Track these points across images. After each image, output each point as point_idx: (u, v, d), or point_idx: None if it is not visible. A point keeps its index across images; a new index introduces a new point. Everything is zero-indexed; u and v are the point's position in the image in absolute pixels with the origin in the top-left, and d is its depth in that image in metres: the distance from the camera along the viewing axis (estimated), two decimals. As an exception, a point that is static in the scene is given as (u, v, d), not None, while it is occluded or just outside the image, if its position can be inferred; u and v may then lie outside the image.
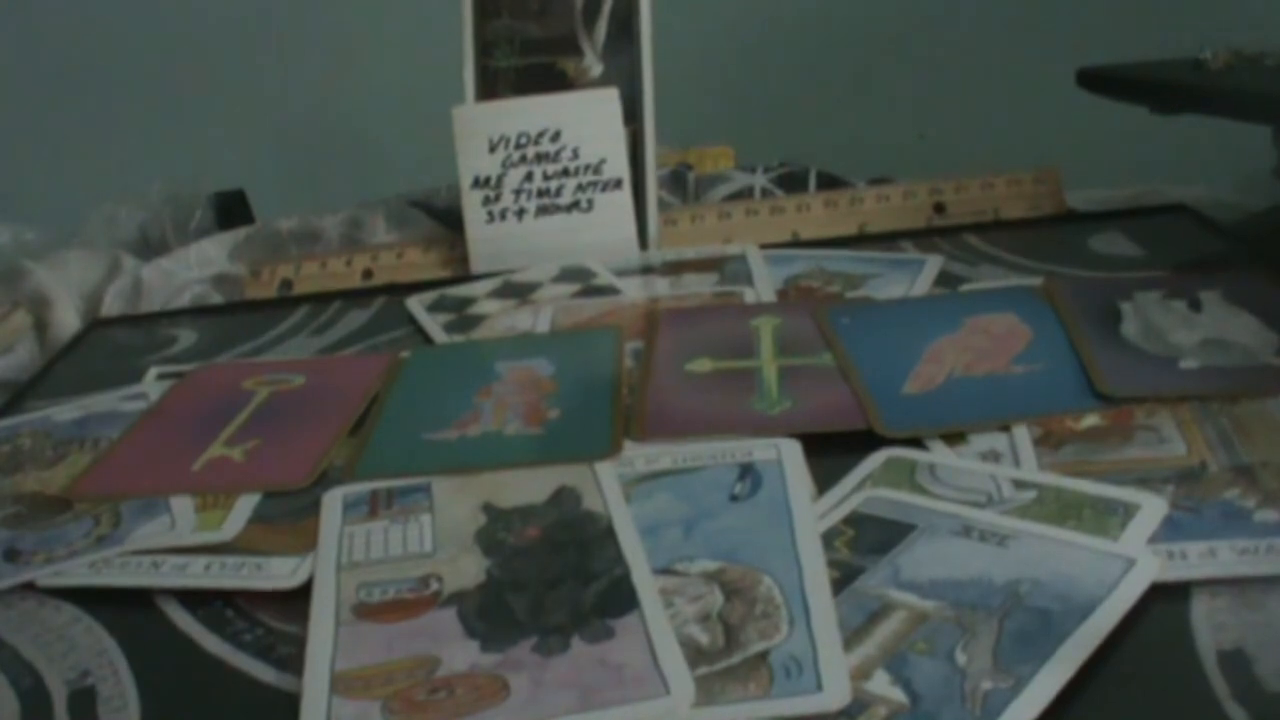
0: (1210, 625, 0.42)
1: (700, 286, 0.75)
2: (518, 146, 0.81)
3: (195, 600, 0.50)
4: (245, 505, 0.56)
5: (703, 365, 0.63)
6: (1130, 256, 0.73)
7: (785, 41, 1.30)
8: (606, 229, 0.81)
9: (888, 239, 0.80)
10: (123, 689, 0.45)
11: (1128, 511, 0.47)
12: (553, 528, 0.50)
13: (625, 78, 0.82)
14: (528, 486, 0.54)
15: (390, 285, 0.83)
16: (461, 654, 0.44)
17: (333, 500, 0.54)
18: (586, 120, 0.81)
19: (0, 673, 0.47)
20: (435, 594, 0.47)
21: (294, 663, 0.45)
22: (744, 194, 0.92)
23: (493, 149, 0.81)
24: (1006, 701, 0.38)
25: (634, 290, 0.76)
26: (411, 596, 0.47)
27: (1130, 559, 0.44)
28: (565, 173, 0.81)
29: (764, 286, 0.73)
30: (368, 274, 0.85)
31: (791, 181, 0.92)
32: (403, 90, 1.29)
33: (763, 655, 0.42)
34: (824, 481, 0.52)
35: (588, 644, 0.43)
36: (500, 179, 0.81)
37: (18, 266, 0.88)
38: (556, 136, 0.81)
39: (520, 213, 0.81)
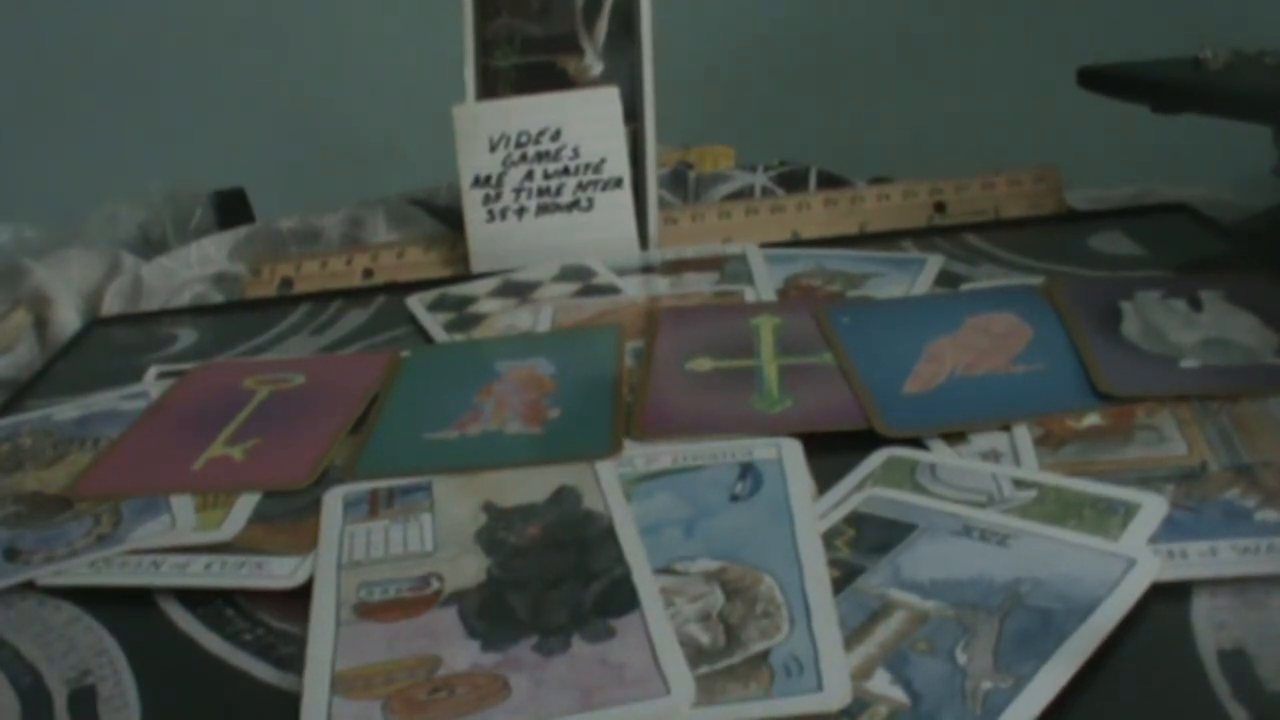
0: (1211, 625, 0.42)
1: (700, 285, 0.75)
2: (518, 145, 0.81)
3: (195, 599, 0.50)
4: (245, 504, 0.55)
5: (703, 364, 0.63)
6: (1130, 256, 0.73)
7: (785, 41, 1.30)
8: (607, 228, 0.81)
9: (888, 238, 0.80)
10: (123, 688, 0.45)
11: (1128, 511, 0.47)
12: (553, 527, 0.50)
13: (626, 77, 0.82)
14: (528, 486, 0.54)
15: (390, 284, 0.83)
16: (462, 653, 0.44)
17: (333, 499, 0.54)
18: (587, 119, 0.81)
19: (0, 672, 0.47)
20: (436, 593, 0.47)
21: (294, 662, 0.45)
22: (744, 193, 0.92)
23: (493, 148, 0.81)
24: (1007, 701, 0.38)
25: (634, 289, 0.76)
26: (412, 596, 0.47)
27: (1131, 558, 0.44)
28: (565, 171, 0.81)
29: (764, 285, 0.73)
30: (368, 273, 0.85)
31: (792, 180, 0.92)
32: (403, 89, 1.29)
33: (763, 655, 0.42)
34: (824, 481, 0.52)
35: (588, 644, 0.43)
36: (500, 178, 0.81)
37: (18, 265, 0.88)
38: (557, 135, 0.81)
39: (520, 212, 0.81)
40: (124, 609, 0.50)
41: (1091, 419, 0.54)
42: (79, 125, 1.34)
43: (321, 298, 0.83)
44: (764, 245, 0.80)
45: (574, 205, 0.81)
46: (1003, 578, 0.44)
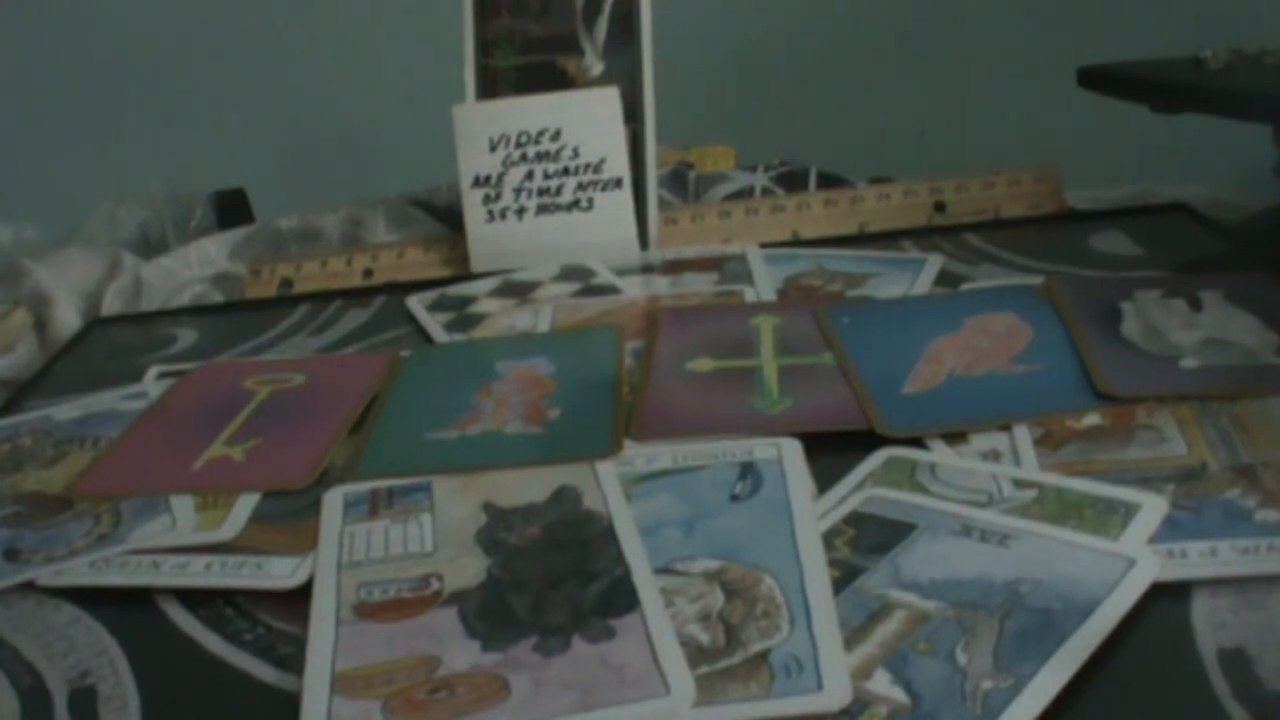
0: (1211, 624, 0.42)
1: (700, 286, 0.75)
2: (518, 145, 0.81)
3: (195, 600, 0.50)
4: (245, 504, 0.56)
5: (703, 364, 0.63)
6: (1130, 256, 0.73)
7: (785, 41, 1.30)
8: (607, 228, 0.81)
9: (888, 238, 0.80)
10: (123, 688, 0.45)
11: (1128, 511, 0.47)
12: (553, 527, 0.50)
13: (626, 77, 0.82)
14: (528, 486, 0.54)
15: (390, 284, 0.83)
16: (462, 653, 0.44)
17: (333, 500, 0.54)
18: (587, 119, 0.81)
19: (0, 672, 0.47)
20: (436, 593, 0.47)
21: (294, 662, 0.45)
22: (744, 193, 0.92)
23: (493, 148, 0.81)
24: (1007, 701, 0.38)
25: (634, 289, 0.76)
26: (412, 596, 0.47)
27: (1131, 559, 0.44)
28: (565, 172, 0.81)
29: (764, 286, 0.73)
30: (368, 273, 0.85)
31: (792, 181, 0.92)
32: (403, 90, 1.29)
33: (763, 655, 0.42)
34: (824, 481, 0.52)
35: (588, 644, 0.43)
36: (500, 178, 0.81)
37: (18, 265, 0.88)
38: (557, 135, 0.81)
39: (520, 212, 0.81)
40: (124, 609, 0.50)
41: (1091, 419, 0.54)
42: (79, 125, 1.34)
43: (321, 298, 0.83)
44: (764, 245, 0.80)
45: (574, 205, 0.81)
46: (1003, 578, 0.44)
